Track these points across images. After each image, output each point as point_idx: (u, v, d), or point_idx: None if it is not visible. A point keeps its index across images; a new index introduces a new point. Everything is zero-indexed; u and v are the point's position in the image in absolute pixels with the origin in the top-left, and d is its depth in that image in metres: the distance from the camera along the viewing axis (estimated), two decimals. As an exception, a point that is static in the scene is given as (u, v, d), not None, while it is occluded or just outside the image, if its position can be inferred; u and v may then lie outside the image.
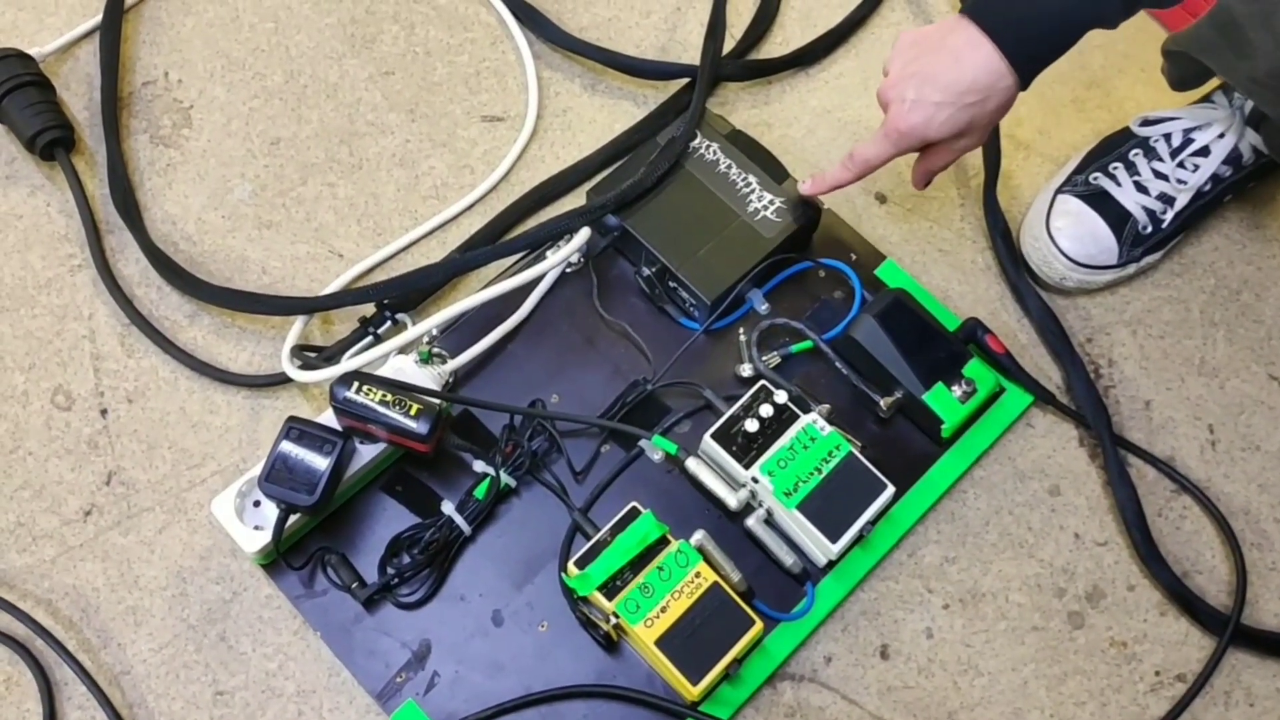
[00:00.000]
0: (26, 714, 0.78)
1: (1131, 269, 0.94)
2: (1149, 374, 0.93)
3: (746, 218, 0.90)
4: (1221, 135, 0.92)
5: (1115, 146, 0.95)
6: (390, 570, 0.80)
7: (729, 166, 0.92)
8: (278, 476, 0.77)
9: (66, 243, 0.93)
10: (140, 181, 0.96)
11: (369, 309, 0.89)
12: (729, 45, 1.03)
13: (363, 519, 0.83)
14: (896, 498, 0.82)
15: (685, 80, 1.01)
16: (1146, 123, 0.96)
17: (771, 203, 0.90)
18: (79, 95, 1.00)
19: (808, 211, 0.90)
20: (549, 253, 0.89)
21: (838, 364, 0.86)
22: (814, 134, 1.01)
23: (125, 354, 0.89)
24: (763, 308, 0.90)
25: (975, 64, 0.76)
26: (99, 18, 1.01)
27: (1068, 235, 0.92)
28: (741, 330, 0.88)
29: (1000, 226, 0.96)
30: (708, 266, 0.88)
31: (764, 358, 0.87)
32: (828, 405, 0.84)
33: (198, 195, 0.96)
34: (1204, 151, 0.93)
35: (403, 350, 0.85)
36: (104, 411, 0.88)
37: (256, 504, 0.81)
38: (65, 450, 0.86)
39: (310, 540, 0.82)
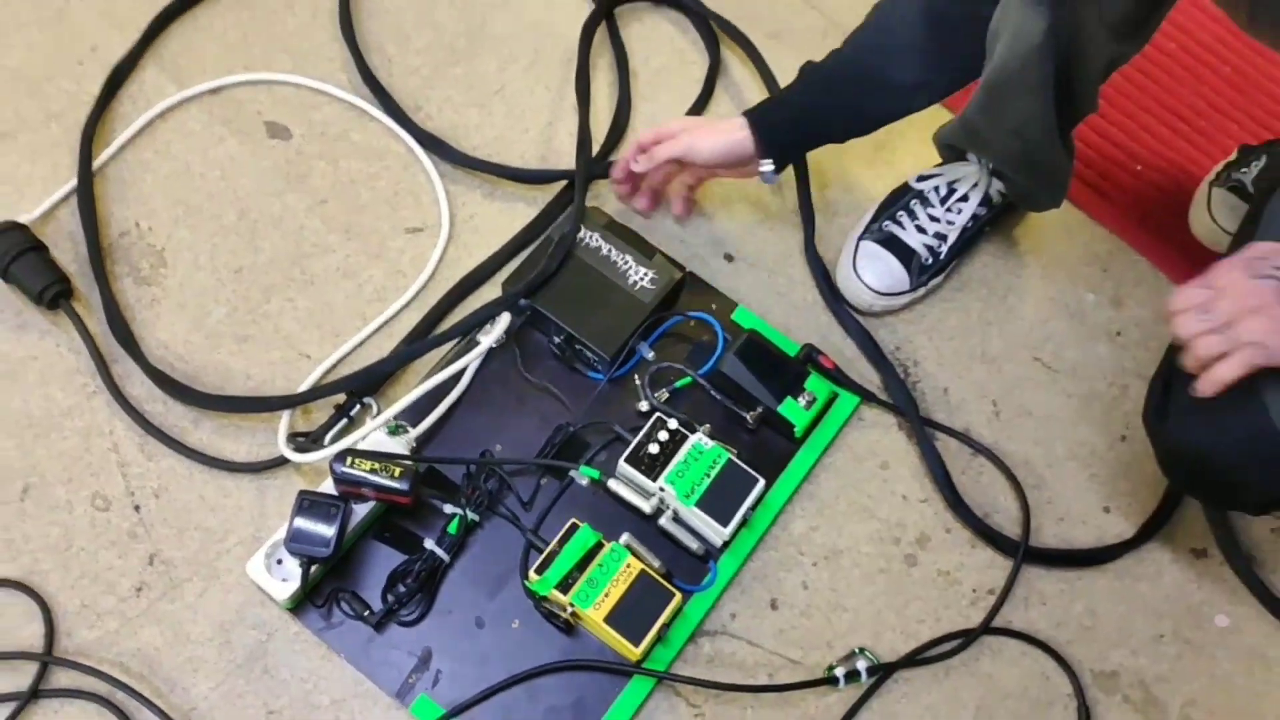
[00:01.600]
0: (119, 752, 0.99)
1: (921, 291, 1.24)
2: (944, 368, 1.23)
3: (627, 288, 1.16)
4: (975, 185, 1.23)
5: (899, 198, 1.25)
6: (391, 598, 1.04)
7: (609, 250, 1.18)
8: (298, 538, 1.00)
9: (79, 374, 1.14)
10: (132, 316, 1.17)
11: (340, 396, 1.13)
12: (595, 150, 1.30)
13: (364, 561, 1.06)
14: (767, 487, 1.09)
15: (564, 182, 1.27)
16: (921, 179, 1.26)
17: (645, 274, 1.17)
18: (66, 250, 1.20)
19: (673, 278, 1.17)
20: (480, 336, 1.14)
21: (712, 392, 1.13)
22: (669, 215, 1.28)
23: (146, 458, 1.11)
24: (650, 355, 1.16)
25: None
26: (73, 182, 1.22)
27: (870, 272, 1.21)
28: (636, 376, 1.14)
29: (820, 270, 1.24)
30: (603, 330, 1.13)
31: (656, 394, 1.13)
32: (708, 425, 1.10)
33: (182, 322, 1.18)
34: (965, 198, 1.23)
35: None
36: (137, 508, 1.09)
37: (279, 562, 1.03)
38: (110, 543, 1.07)
39: (325, 584, 1.05)
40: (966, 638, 1.09)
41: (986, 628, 1.10)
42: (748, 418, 1.12)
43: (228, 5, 1.35)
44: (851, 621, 1.10)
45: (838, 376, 1.17)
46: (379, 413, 1.09)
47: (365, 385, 1.13)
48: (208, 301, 1.19)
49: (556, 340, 1.15)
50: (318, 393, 1.12)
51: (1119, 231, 1.30)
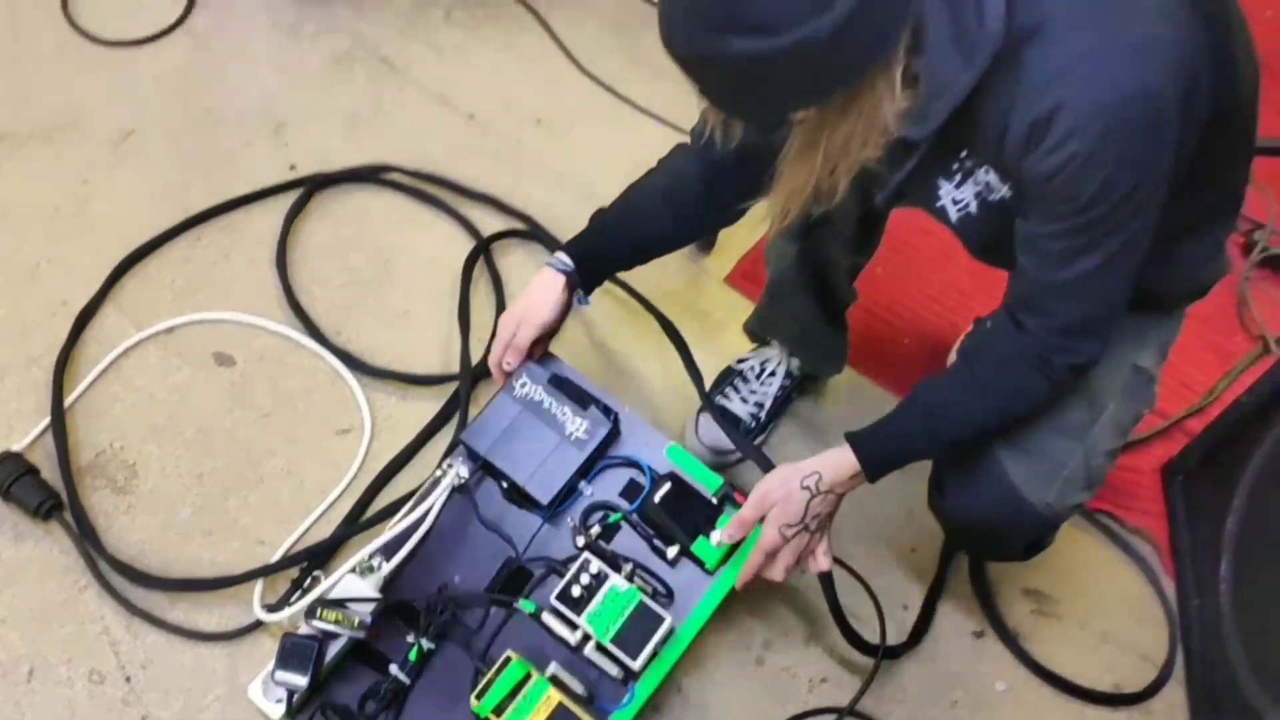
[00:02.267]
0: None
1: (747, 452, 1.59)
2: (773, 507, 1.56)
3: (564, 438, 1.36)
4: (780, 362, 1.60)
5: (725, 377, 1.61)
6: (363, 716, 1.28)
7: (550, 403, 1.37)
8: (282, 674, 1.24)
9: (72, 572, 1.38)
10: (111, 522, 1.42)
11: (294, 572, 1.39)
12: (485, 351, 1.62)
13: (340, 684, 1.29)
14: (680, 617, 1.29)
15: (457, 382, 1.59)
16: (740, 360, 1.63)
17: (581, 424, 1.37)
18: (51, 471, 1.45)
19: (605, 426, 1.36)
20: (437, 486, 1.36)
21: (637, 530, 1.34)
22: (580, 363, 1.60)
23: (133, 637, 1.35)
24: (589, 492, 1.36)
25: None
26: (49, 418, 1.48)
27: (709, 437, 1.56)
28: (569, 517, 1.36)
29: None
30: (543, 476, 1.34)
31: (590, 528, 1.34)
32: (631, 564, 1.32)
33: (155, 523, 1.43)
34: (773, 373, 1.60)
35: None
36: (128, 678, 1.32)
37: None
38: (107, 709, 1.30)
39: (311, 701, 1.27)
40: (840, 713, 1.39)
41: (852, 709, 1.39)
42: (668, 553, 1.33)
43: (174, 258, 1.66)
44: (716, 715, 1.39)
45: None
46: (325, 582, 1.34)
47: (317, 557, 1.40)
48: (176, 504, 1.45)
49: (504, 485, 1.37)
50: (277, 566, 1.39)
51: (893, 389, 1.69)
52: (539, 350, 1.40)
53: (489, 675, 1.26)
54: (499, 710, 1.25)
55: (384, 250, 1.73)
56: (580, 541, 1.35)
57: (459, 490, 1.38)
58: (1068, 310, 1.09)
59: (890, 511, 1.58)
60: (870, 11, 0.89)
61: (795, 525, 1.20)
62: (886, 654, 1.44)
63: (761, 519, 1.24)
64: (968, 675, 1.47)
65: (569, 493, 1.37)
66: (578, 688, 1.28)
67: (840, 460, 1.21)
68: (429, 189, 1.79)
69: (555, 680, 1.28)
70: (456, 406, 1.57)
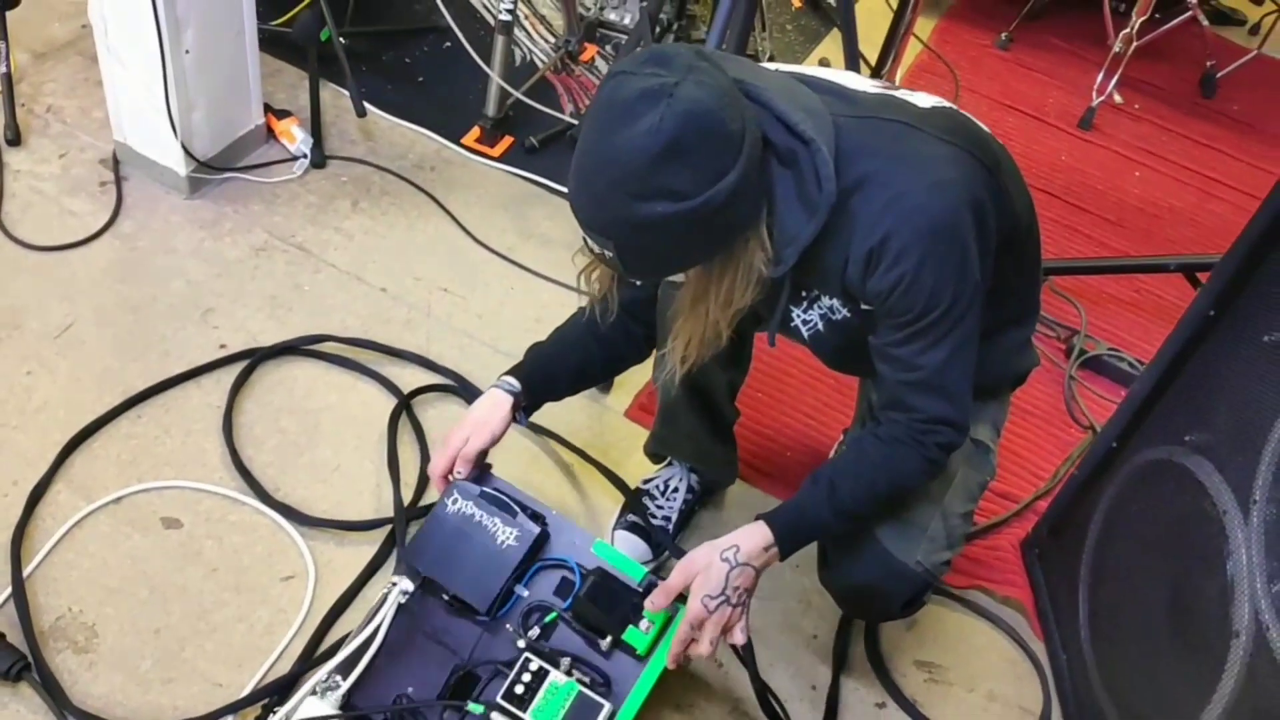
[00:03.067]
0: None
1: (663, 557, 1.77)
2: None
3: (496, 547, 1.49)
4: (681, 479, 1.80)
5: (637, 496, 1.80)
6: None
7: (480, 515, 1.50)
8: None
9: (46, 730, 1.46)
10: (76, 679, 1.51)
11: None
12: (411, 496, 1.79)
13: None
14: (618, 703, 1.42)
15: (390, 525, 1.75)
16: (646, 481, 1.82)
17: (510, 533, 1.52)
18: (16, 637, 1.53)
19: (533, 533, 1.50)
20: (384, 607, 1.48)
21: (571, 626, 1.48)
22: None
23: (102, 786, 1.42)
24: (525, 594, 1.49)
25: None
26: (10, 589, 1.57)
27: (625, 549, 1.73)
28: (508, 622, 1.48)
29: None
30: (480, 585, 1.48)
31: (529, 630, 1.46)
32: (568, 659, 1.45)
33: (117, 678, 1.52)
34: (676, 489, 1.80)
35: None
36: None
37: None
38: None
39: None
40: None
41: None
42: (601, 644, 1.46)
43: (118, 435, 1.79)
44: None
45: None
46: (288, 704, 1.45)
47: (279, 693, 1.52)
48: (135, 658, 1.55)
49: (445, 597, 1.51)
50: (245, 702, 1.50)
51: (781, 496, 1.90)
52: (480, 462, 1.55)
53: None
54: None
55: (310, 413, 1.89)
56: (520, 643, 1.48)
57: (403, 608, 1.49)
58: (927, 404, 1.32)
59: (789, 605, 1.77)
60: (748, 180, 1.16)
61: (717, 597, 1.37)
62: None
63: (684, 594, 1.41)
64: (876, 744, 1.64)
65: (506, 597, 1.51)
66: None
67: (755, 534, 1.39)
68: (349, 354, 1.98)
69: None
70: (394, 546, 1.72)
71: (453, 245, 2.26)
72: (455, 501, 1.53)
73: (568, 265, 2.21)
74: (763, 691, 1.53)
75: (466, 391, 1.96)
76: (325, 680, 1.43)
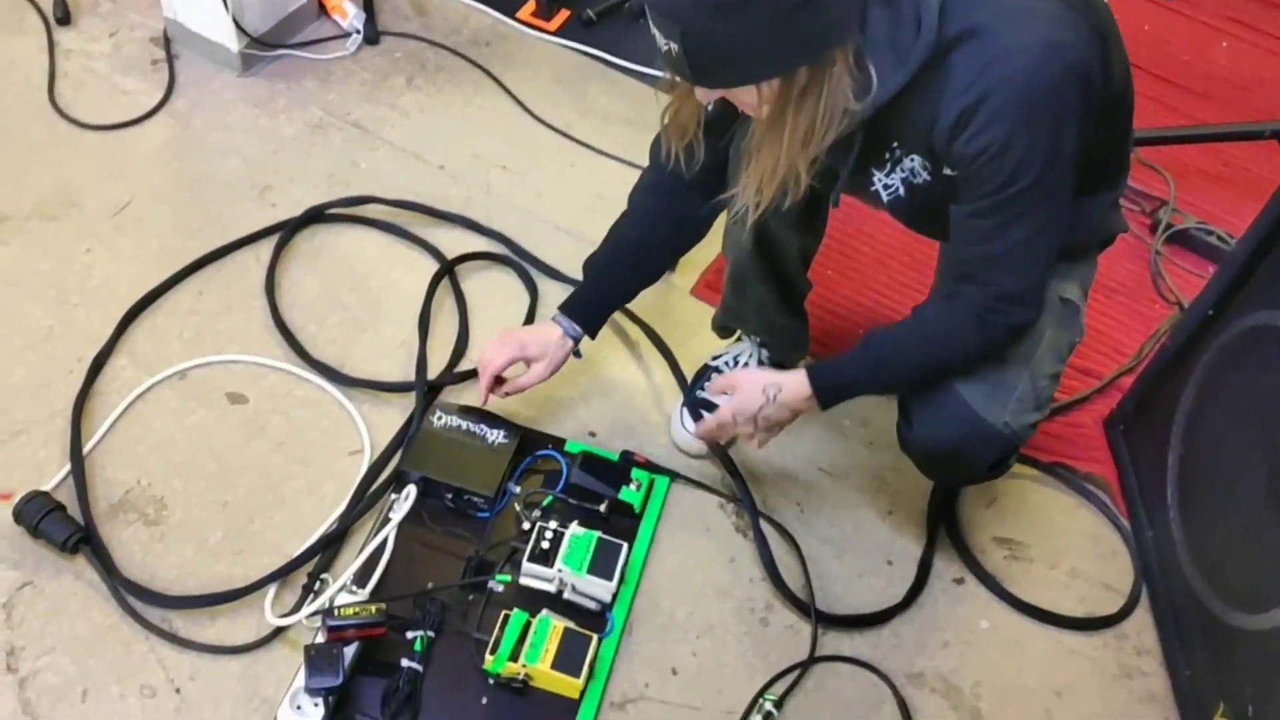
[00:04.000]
0: None
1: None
2: (761, 485, 1.69)
3: (488, 447, 1.59)
4: (751, 355, 1.75)
5: (703, 374, 1.75)
6: (388, 710, 1.37)
7: (467, 425, 1.62)
8: (313, 679, 1.34)
9: (110, 602, 1.45)
10: (145, 551, 1.50)
11: (303, 579, 1.49)
12: (442, 365, 1.75)
13: (361, 691, 1.39)
14: (630, 550, 1.51)
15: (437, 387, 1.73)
16: (715, 358, 1.77)
17: (498, 434, 1.61)
18: (76, 509, 1.53)
19: (519, 432, 1.62)
20: (393, 510, 1.54)
21: (569, 501, 1.57)
22: (497, 407, 1.70)
23: (179, 653, 1.42)
24: (517, 490, 1.59)
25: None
26: (70, 463, 1.57)
27: (692, 428, 1.69)
28: (515, 504, 1.57)
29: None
30: (481, 479, 1.56)
31: (532, 514, 1.55)
32: (575, 521, 1.51)
33: (188, 549, 1.52)
34: (745, 365, 1.74)
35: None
36: (178, 690, 1.39)
37: (299, 707, 1.36)
38: (161, 720, 1.37)
39: (335, 717, 1.37)
40: (803, 665, 1.51)
41: (814, 658, 1.52)
42: (600, 509, 1.57)
43: (180, 311, 1.77)
44: (731, 672, 1.50)
45: (651, 466, 1.65)
46: (336, 582, 1.46)
47: (317, 555, 1.51)
48: (204, 531, 1.54)
49: (448, 497, 1.57)
50: (288, 569, 1.49)
51: (856, 373, 1.84)
52: (517, 383, 1.58)
53: (494, 634, 1.41)
54: (514, 656, 1.38)
55: (373, 291, 1.85)
56: (526, 525, 1.54)
57: (408, 517, 1.55)
58: (1002, 279, 1.26)
59: (864, 481, 1.72)
60: None
61: (745, 418, 1.45)
62: (899, 607, 1.59)
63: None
64: (953, 619, 1.59)
65: (504, 492, 1.59)
66: (569, 623, 1.44)
67: (799, 383, 1.40)
68: (406, 225, 1.95)
69: (550, 618, 1.44)
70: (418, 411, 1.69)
71: (510, 122, 2.18)
72: (441, 418, 1.63)
73: (627, 141, 2.15)
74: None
75: (524, 259, 1.92)
76: (347, 586, 1.46)
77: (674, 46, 1.09)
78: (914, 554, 1.65)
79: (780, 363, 1.79)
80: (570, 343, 1.56)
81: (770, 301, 1.64)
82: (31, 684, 1.38)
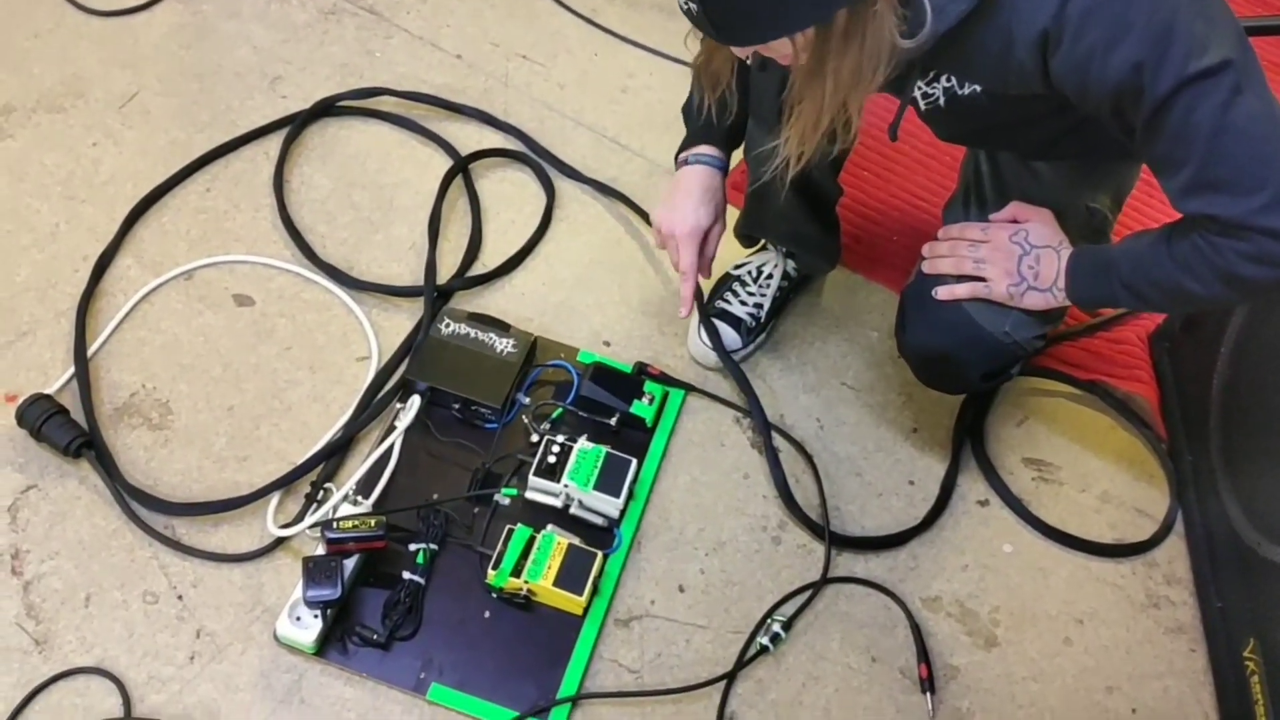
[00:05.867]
0: (199, 778, 1.28)
1: (751, 347, 1.65)
2: (777, 399, 1.63)
3: (497, 356, 1.55)
4: (776, 265, 1.66)
5: (725, 283, 1.67)
6: (389, 622, 1.36)
7: (474, 333, 1.56)
8: (312, 591, 1.32)
9: (114, 507, 1.44)
10: (149, 456, 1.49)
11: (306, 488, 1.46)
12: (453, 270, 1.70)
13: (359, 604, 1.38)
14: (638, 466, 1.47)
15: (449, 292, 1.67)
16: (737, 266, 1.69)
17: (507, 343, 1.55)
18: (80, 414, 1.51)
19: (529, 340, 1.56)
20: (399, 419, 1.50)
21: (579, 414, 1.53)
22: (507, 314, 1.64)
23: (181, 559, 1.41)
24: (526, 401, 1.55)
25: None
26: (74, 365, 1.54)
27: (708, 341, 1.62)
28: (523, 415, 1.52)
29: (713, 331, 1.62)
30: (488, 389, 1.51)
31: (540, 426, 1.51)
32: (585, 435, 1.47)
33: (192, 454, 1.50)
34: (770, 276, 1.66)
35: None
36: (180, 597, 1.39)
37: (298, 618, 1.35)
38: (163, 627, 1.37)
39: (334, 629, 1.36)
40: (815, 586, 1.47)
41: (826, 579, 1.47)
42: (610, 423, 1.53)
43: (187, 209, 1.72)
44: (740, 591, 1.46)
45: (665, 379, 1.59)
46: (339, 492, 1.43)
47: (321, 464, 1.49)
48: (210, 435, 1.52)
49: (455, 407, 1.53)
50: (291, 476, 1.46)
51: (886, 284, 1.75)
52: (713, 246, 1.51)
53: (498, 548, 1.38)
54: (517, 572, 1.36)
55: (385, 190, 1.79)
56: (535, 437, 1.51)
57: (414, 426, 1.52)
58: (1222, 205, 1.06)
59: (889, 397, 1.65)
60: None
61: (1005, 273, 1.31)
62: (918, 529, 1.54)
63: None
64: (975, 541, 1.54)
65: (513, 403, 1.54)
66: (574, 539, 1.41)
67: (1052, 256, 1.30)
68: (419, 118, 1.88)
69: (555, 533, 1.41)
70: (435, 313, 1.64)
71: (532, 8, 2.08)
72: (449, 325, 1.57)
73: (657, 28, 2.04)
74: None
75: (535, 161, 1.84)
76: (350, 497, 1.43)
77: (693, 5, 0.99)
78: (937, 474, 1.59)
79: (807, 274, 1.71)
80: (716, 174, 1.45)
81: (797, 209, 1.54)
82: (36, 588, 1.38)
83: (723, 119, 1.36)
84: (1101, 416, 1.67)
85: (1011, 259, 1.32)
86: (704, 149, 1.45)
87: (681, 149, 1.48)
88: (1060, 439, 1.64)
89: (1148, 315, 1.75)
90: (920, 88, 1.23)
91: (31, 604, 1.37)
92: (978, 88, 1.17)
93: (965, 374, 1.40)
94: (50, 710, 1.30)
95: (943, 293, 1.35)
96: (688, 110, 1.48)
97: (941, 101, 1.22)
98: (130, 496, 1.44)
